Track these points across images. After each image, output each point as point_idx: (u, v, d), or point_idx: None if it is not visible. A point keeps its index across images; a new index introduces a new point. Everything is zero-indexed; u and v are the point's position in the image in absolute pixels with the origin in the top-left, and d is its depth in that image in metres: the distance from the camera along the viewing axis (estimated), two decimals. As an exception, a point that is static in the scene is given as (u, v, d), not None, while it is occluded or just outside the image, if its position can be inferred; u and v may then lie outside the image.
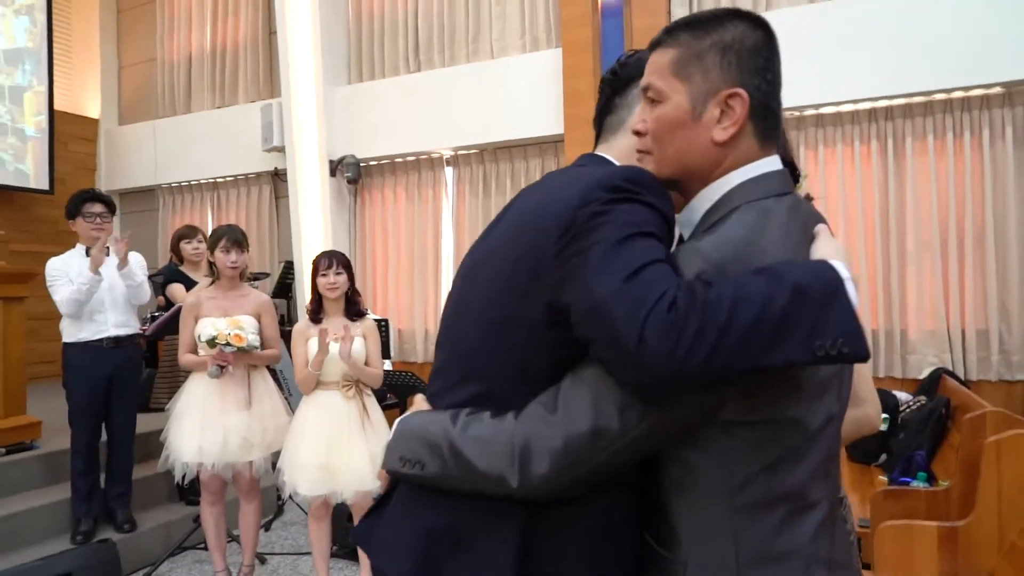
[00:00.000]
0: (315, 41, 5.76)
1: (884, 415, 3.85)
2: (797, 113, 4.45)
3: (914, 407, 3.82)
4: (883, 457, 3.75)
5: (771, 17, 3.96)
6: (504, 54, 5.39)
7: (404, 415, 1.00)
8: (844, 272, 0.78)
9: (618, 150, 1.08)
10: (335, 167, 5.78)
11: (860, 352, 0.76)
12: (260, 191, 6.42)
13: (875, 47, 4.13)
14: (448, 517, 0.91)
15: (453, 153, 5.59)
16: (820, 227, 0.89)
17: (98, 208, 3.53)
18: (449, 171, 5.67)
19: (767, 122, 0.92)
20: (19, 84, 6.31)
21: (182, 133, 6.75)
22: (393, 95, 5.71)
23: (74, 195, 3.57)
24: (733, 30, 0.91)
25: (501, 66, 5.30)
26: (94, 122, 7.33)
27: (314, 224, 5.83)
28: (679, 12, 4.68)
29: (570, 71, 4.91)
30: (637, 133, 0.97)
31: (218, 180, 6.66)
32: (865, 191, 4.35)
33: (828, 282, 0.77)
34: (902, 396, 3.98)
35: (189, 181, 6.79)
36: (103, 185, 7.29)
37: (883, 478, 3.52)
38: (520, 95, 5.14)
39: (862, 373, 1.25)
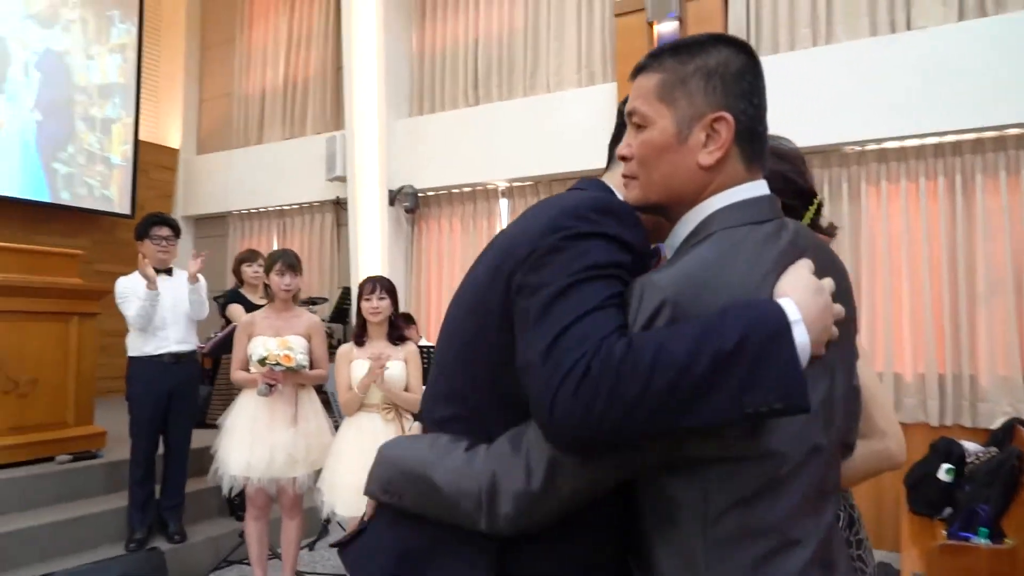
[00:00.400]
0: (379, 76, 5.98)
1: (949, 466, 3.64)
2: (859, 148, 4.34)
3: (983, 458, 3.60)
4: (947, 510, 3.53)
5: (832, 50, 3.92)
6: (560, 88, 5.47)
7: (388, 440, 1.02)
8: (794, 314, 0.76)
9: (617, 177, 1.08)
10: (394, 197, 5.95)
11: (795, 409, 0.74)
12: (323, 219, 6.65)
13: (945, 79, 4.01)
14: (422, 538, 0.92)
15: (508, 185, 5.67)
16: (801, 262, 0.85)
17: (165, 231, 3.72)
18: (504, 202, 5.75)
19: (753, 146, 0.92)
20: (109, 116, 6.78)
21: (253, 163, 7.09)
22: (451, 127, 5.86)
23: (144, 218, 3.79)
24: (717, 55, 0.91)
25: (556, 100, 5.38)
26: (174, 152, 7.78)
27: (372, 251, 5.98)
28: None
29: (625, 105, 4.93)
30: (623, 158, 0.96)
31: (284, 208, 6.94)
32: (931, 229, 4.18)
33: (770, 330, 0.74)
34: (970, 447, 3.76)
35: (257, 208, 7.10)
36: (179, 211, 7.70)
37: (944, 532, 3.31)
38: (574, 128, 5.20)
39: (880, 403, 1.20)
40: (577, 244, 0.85)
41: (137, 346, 3.67)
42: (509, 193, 5.70)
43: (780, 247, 0.86)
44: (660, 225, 0.96)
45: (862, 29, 4.40)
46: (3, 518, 3.34)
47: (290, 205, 6.88)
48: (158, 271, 3.63)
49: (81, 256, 4.27)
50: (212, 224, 7.67)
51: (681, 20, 4.69)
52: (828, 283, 0.85)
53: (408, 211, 5.97)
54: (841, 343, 0.92)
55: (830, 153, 4.41)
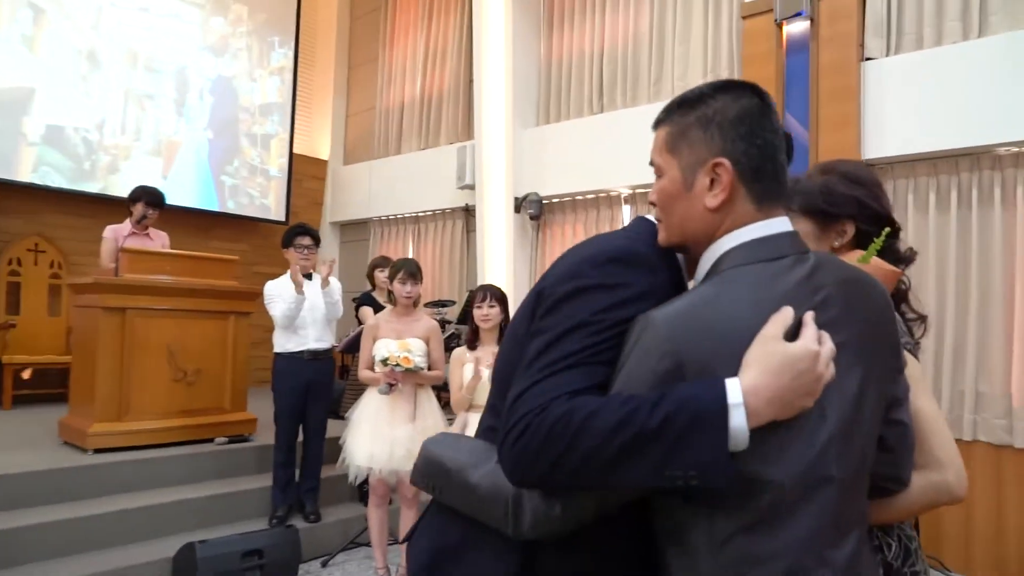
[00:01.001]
0: (507, 87, 6.20)
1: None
2: (1016, 149, 3.95)
3: None
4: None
5: (986, 44, 3.63)
6: (685, 93, 5.40)
7: (433, 436, 1.14)
8: (735, 397, 0.80)
9: None
10: (520, 204, 6.14)
11: (711, 485, 0.79)
12: (454, 225, 6.98)
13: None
14: (456, 533, 1.02)
15: (631, 191, 5.68)
16: (784, 312, 0.86)
17: (306, 241, 4.11)
18: (627, 209, 5.76)
19: (763, 184, 0.96)
20: (268, 132, 7.51)
21: (392, 172, 7.57)
22: (576, 135, 5.95)
23: (289, 228, 4.20)
24: (715, 104, 0.96)
25: (681, 106, 5.32)
26: (324, 163, 8.47)
27: (498, 257, 6.21)
28: (874, 44, 4.41)
29: (751, 109, 4.79)
30: (651, 204, 1.04)
31: (419, 214, 7.35)
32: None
33: (699, 413, 0.79)
34: None
35: (395, 215, 7.57)
36: (327, 217, 8.37)
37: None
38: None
39: (940, 434, 1.15)
40: (582, 296, 0.93)
41: (281, 343, 4.07)
42: (632, 199, 5.71)
43: (789, 283, 0.89)
44: (694, 263, 1.02)
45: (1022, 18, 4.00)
46: (170, 489, 3.84)
47: (424, 212, 7.27)
48: (308, 276, 4.04)
49: (240, 260, 4.80)
50: (356, 229, 8.26)
51: (812, 19, 4.50)
52: (804, 346, 0.84)
53: (532, 218, 6.13)
54: (877, 376, 0.93)
55: (981, 155, 4.06)
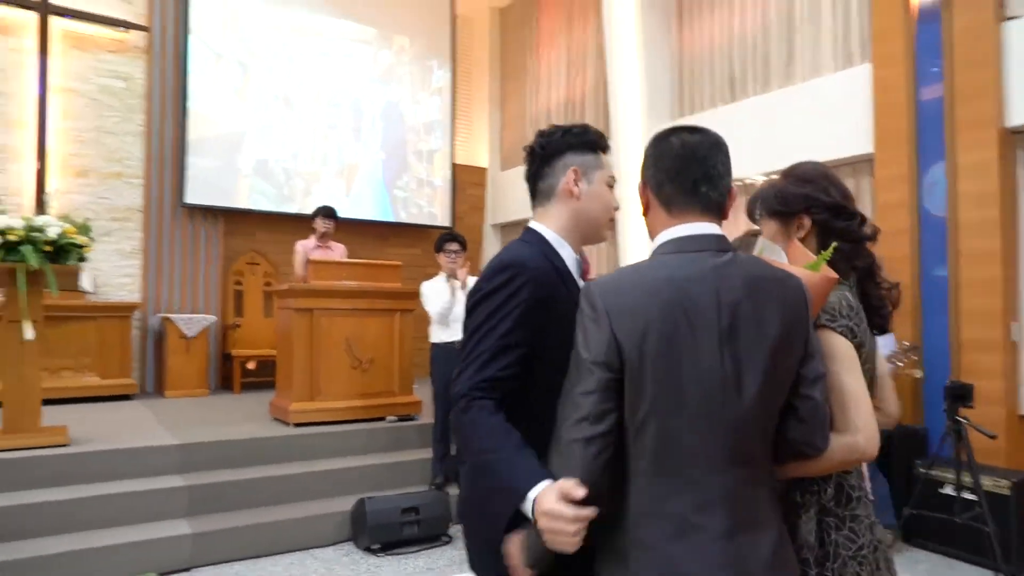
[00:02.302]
0: (640, 85, 6.46)
1: None
2: None
3: None
4: None
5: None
6: (817, 74, 5.34)
7: None
8: (527, 507, 1.22)
9: (555, 217, 1.56)
10: (657, 197, 6.36)
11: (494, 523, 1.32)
12: (599, 220, 7.34)
13: None
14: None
15: (765, 178, 5.70)
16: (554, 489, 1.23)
17: (454, 246, 4.74)
18: (762, 195, 5.78)
19: (664, 195, 1.32)
20: (432, 148, 8.38)
21: (542, 174, 8.09)
22: (710, 126, 6.03)
23: (439, 236, 4.86)
24: (646, 149, 1.38)
25: (812, 88, 5.27)
26: (483, 170, 9.22)
27: (639, 253, 6.49)
28: (1016, 5, 4.14)
29: (881, 85, 4.69)
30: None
31: (568, 212, 7.80)
32: None
33: (511, 493, 1.25)
34: None
35: (547, 214, 8.08)
36: (488, 220, 9.10)
37: None
38: (831, 115, 5.06)
39: (857, 403, 1.35)
40: (489, 300, 1.41)
41: (436, 334, 4.74)
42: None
43: (702, 268, 1.23)
44: None
45: None
46: (350, 457, 4.66)
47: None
48: (450, 277, 4.68)
49: (408, 262, 5.56)
50: (515, 230, 8.89)
51: (945, -11, 4.32)
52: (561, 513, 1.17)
53: (670, 210, 6.33)
54: (783, 356, 1.24)
55: None
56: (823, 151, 5.13)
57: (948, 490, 3.65)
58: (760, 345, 1.23)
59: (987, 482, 3.71)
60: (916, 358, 3.78)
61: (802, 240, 1.58)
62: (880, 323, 1.58)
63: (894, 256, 4.54)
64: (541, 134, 1.61)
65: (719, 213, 1.33)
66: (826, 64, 5.29)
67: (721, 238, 1.30)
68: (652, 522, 1.21)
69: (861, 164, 5.02)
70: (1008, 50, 4.14)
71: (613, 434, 1.23)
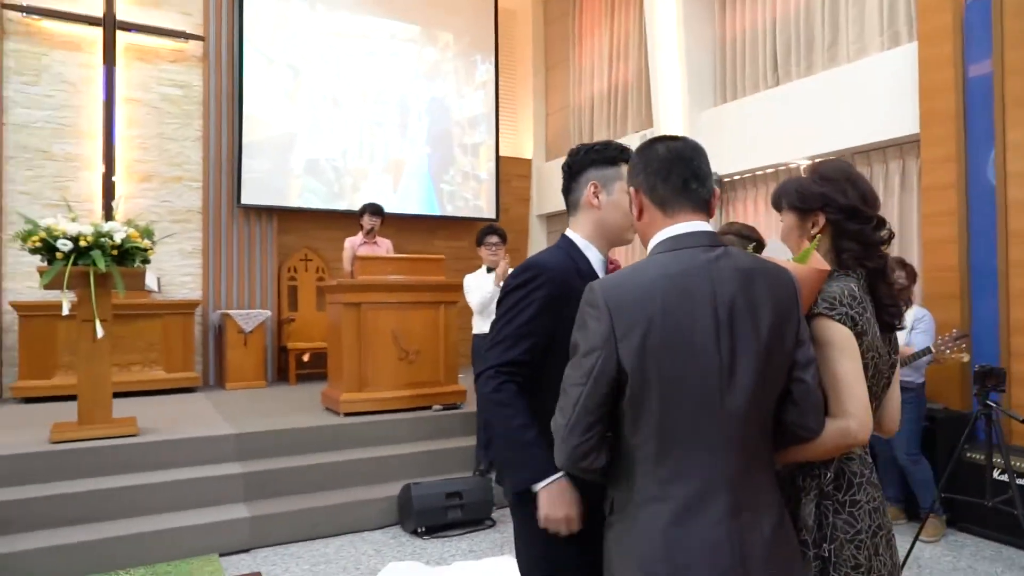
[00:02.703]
0: (682, 72, 6.42)
1: None
2: None
3: None
4: None
5: None
6: (862, 55, 5.22)
7: None
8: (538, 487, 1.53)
9: (583, 225, 1.68)
10: (699, 184, 6.32)
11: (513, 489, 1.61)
12: (643, 209, 7.33)
13: None
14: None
15: (809, 162, 5.61)
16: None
17: (494, 239, 4.85)
18: (807, 180, 5.68)
19: (661, 200, 1.39)
20: (477, 141, 8.50)
21: (586, 164, 8.11)
22: (752, 112, 6.00)
23: (480, 229, 4.97)
24: (632, 160, 1.47)
25: (855, 69, 5.15)
26: (528, 161, 9.29)
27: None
28: (1069, -27, 3.96)
29: (927, 64, 4.55)
30: None
31: (612, 202, 7.81)
32: None
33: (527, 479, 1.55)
34: None
35: (591, 204, 8.11)
36: (534, 211, 9.18)
37: None
38: (877, 95, 4.94)
39: (851, 390, 1.39)
40: (511, 295, 1.65)
41: (478, 325, 4.86)
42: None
43: (696, 262, 1.30)
44: None
45: None
46: (398, 444, 4.84)
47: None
48: (490, 270, 4.80)
49: (455, 255, 5.66)
50: (559, 220, 8.96)
51: (991, -40, 4.16)
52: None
53: (713, 197, 6.28)
54: (776, 342, 1.30)
55: None
56: (868, 134, 5.03)
57: (997, 475, 3.58)
58: (755, 335, 1.29)
59: (1034, 468, 3.62)
60: (964, 345, 3.70)
61: (811, 237, 1.62)
62: (888, 320, 1.60)
63: (941, 239, 4.43)
64: (570, 153, 1.82)
65: (707, 210, 1.41)
66: (872, 44, 5.17)
67: (711, 234, 1.37)
68: (657, 505, 1.28)
69: (908, 146, 4.89)
70: (1062, 22, 3.97)
71: (603, 423, 1.31)
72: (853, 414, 1.40)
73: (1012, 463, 3.32)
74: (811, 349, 1.38)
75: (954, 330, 3.82)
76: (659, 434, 1.27)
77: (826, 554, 1.45)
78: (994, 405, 2.85)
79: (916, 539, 3.13)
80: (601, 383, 1.28)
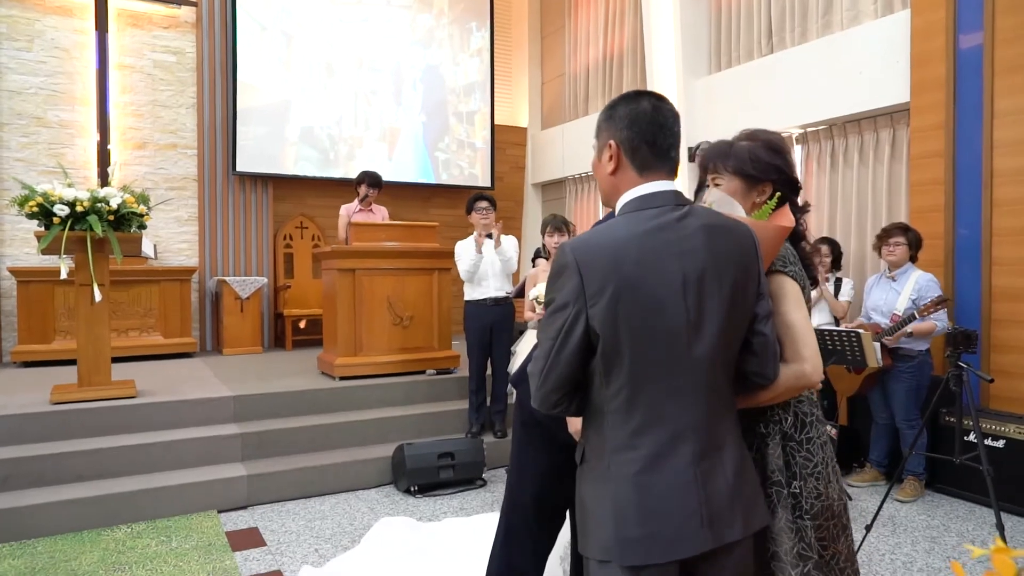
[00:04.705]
0: (676, 40, 6.40)
1: None
2: None
3: None
4: None
5: None
6: (856, 23, 5.21)
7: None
8: None
9: None
10: (693, 153, 6.35)
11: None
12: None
13: None
14: None
15: (801, 131, 5.64)
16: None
17: (483, 204, 4.90)
18: (798, 148, 5.72)
19: (641, 158, 1.41)
20: (472, 109, 8.48)
21: (580, 133, 8.13)
22: (747, 80, 6.00)
23: (470, 197, 5.02)
24: (614, 108, 1.45)
25: (847, 37, 5.16)
26: (523, 130, 9.28)
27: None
28: (1061, -60, 3.96)
29: (919, 32, 4.57)
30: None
31: (606, 170, 7.84)
32: None
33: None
34: None
35: (586, 173, 8.14)
36: (529, 179, 9.20)
37: None
38: (867, 65, 4.96)
39: (805, 336, 1.48)
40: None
41: (469, 292, 4.94)
42: (803, 139, 5.67)
43: (663, 221, 1.35)
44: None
45: None
46: (392, 407, 4.95)
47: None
48: (490, 236, 4.84)
49: (451, 223, 5.72)
50: (554, 188, 9.00)
51: (985, -75, 4.15)
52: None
53: (706, 166, 6.32)
54: (739, 295, 1.37)
55: None
56: (860, 102, 5.06)
57: (971, 438, 3.70)
58: (719, 289, 1.35)
59: (1011, 429, 3.74)
60: (944, 309, 3.79)
61: (756, 205, 1.70)
62: (812, 276, 1.72)
63: (929, 207, 4.48)
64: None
65: (675, 172, 1.47)
66: (866, 11, 5.16)
67: (678, 193, 1.42)
68: (628, 453, 1.35)
69: (899, 114, 4.92)
70: (1052, -11, 3.98)
71: (574, 374, 1.38)
72: (807, 358, 1.50)
73: (984, 425, 3.42)
74: (770, 302, 1.46)
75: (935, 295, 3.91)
76: (631, 385, 1.34)
77: (796, 490, 1.55)
78: (965, 366, 2.93)
79: (887, 496, 3.24)
80: (572, 338, 1.34)
